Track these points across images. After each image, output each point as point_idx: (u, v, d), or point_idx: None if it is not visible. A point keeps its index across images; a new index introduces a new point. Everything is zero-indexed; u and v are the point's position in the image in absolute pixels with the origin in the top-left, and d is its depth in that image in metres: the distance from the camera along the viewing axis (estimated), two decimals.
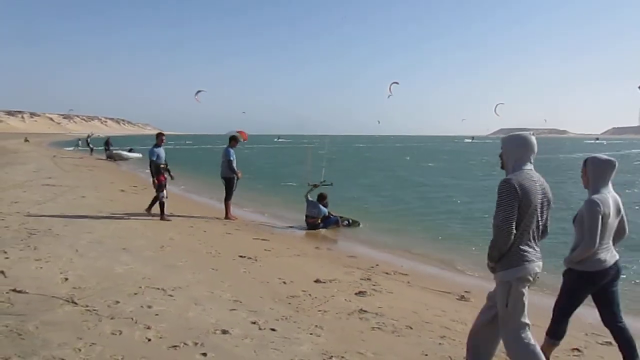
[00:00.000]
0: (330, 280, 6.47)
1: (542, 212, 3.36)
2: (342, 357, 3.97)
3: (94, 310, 4.57)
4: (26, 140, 63.86)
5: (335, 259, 8.57)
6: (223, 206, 11.83)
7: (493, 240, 3.32)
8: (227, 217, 11.67)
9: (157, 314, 4.57)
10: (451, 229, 12.29)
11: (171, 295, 5.17)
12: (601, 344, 5.23)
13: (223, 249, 7.83)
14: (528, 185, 3.26)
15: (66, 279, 5.49)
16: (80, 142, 43.04)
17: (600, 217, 3.77)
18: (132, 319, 4.41)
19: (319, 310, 5.18)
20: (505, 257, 3.29)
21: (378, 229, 12.00)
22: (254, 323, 4.56)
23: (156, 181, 10.67)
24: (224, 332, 4.25)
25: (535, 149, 3.42)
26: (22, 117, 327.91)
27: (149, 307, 4.74)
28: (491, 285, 8.09)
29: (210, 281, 5.92)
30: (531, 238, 3.34)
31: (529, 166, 3.37)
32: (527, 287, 3.32)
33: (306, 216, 11.66)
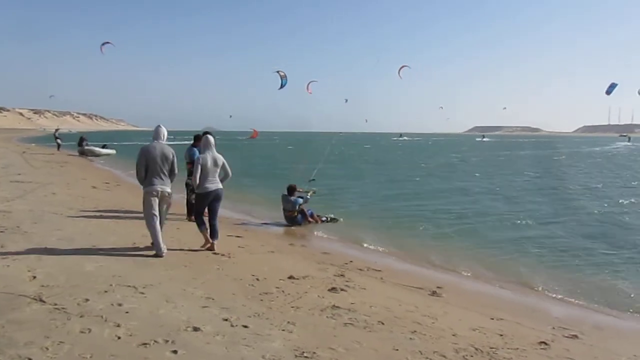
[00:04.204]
0: (303, 277, 6.49)
1: (162, 163, 6.87)
2: (314, 352, 4.00)
3: (63, 308, 4.49)
4: None
5: (310, 255, 8.59)
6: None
7: (136, 174, 6.99)
8: None
9: (127, 312, 4.52)
10: (423, 225, 12.42)
11: (142, 293, 5.11)
12: (567, 337, 5.38)
13: (196, 246, 7.77)
14: (150, 150, 6.87)
15: (34, 277, 5.38)
16: (59, 139, 40.90)
17: (199, 165, 7.36)
18: (102, 317, 4.35)
19: (292, 307, 5.19)
20: (143, 182, 6.88)
21: (353, 226, 12.06)
22: (226, 320, 4.56)
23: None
24: (196, 329, 4.24)
25: (161, 135, 7.06)
26: None
27: (120, 304, 4.69)
28: (462, 281, 8.21)
29: (182, 278, 5.88)
30: (156, 175, 6.83)
31: (156, 141, 7.00)
32: (154, 197, 6.83)
33: (283, 209, 11.95)
